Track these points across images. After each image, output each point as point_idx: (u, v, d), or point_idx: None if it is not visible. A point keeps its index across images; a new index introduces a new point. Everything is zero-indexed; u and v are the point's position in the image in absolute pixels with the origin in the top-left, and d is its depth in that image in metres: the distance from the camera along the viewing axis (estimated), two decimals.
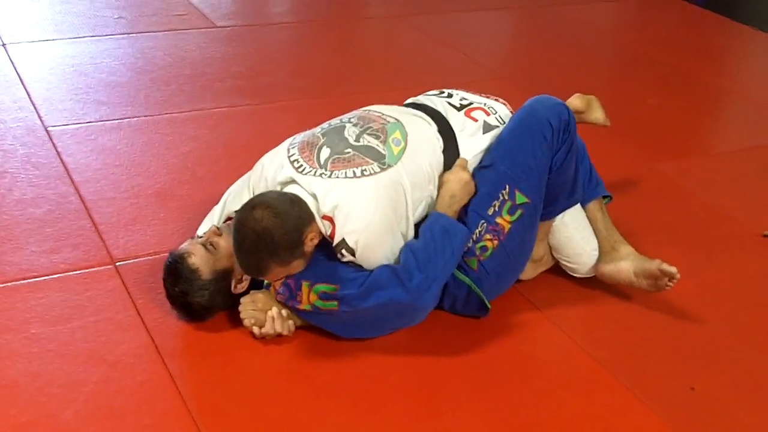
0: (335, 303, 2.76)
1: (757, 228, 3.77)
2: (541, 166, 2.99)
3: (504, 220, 2.96)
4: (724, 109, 5.33)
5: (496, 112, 3.14)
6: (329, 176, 2.77)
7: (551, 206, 3.09)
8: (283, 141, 3.02)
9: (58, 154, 3.81)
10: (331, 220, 2.73)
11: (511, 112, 3.17)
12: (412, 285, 2.72)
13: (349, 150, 2.84)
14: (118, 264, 3.17)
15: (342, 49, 5.48)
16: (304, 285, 2.78)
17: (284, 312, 2.84)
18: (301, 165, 2.83)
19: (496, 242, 2.97)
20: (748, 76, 5.81)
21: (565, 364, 2.95)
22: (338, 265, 2.80)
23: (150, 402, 2.61)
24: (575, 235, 3.21)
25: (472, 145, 3.05)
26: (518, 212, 2.97)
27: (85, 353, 2.75)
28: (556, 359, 2.97)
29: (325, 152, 2.85)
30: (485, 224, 2.96)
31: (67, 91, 4.40)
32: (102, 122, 4.12)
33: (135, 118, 4.20)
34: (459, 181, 2.93)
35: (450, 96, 3.19)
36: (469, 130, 3.06)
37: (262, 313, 2.83)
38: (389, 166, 2.82)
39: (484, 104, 3.16)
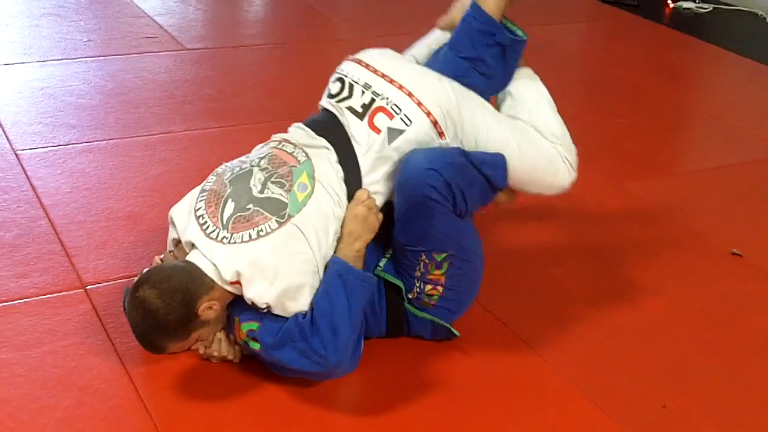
0: (259, 345, 2.70)
1: (726, 246, 3.80)
2: (447, 226, 2.87)
3: (435, 275, 2.92)
4: (693, 128, 5.36)
5: (401, 110, 2.93)
6: (229, 240, 2.69)
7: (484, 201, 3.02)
8: None
9: (28, 177, 3.79)
10: (239, 283, 2.67)
11: (417, 104, 2.93)
12: (317, 347, 2.62)
13: (250, 206, 2.75)
14: (88, 288, 3.15)
15: (313, 71, 5.48)
16: (236, 320, 2.76)
17: (232, 337, 2.83)
18: (206, 222, 2.75)
19: (440, 288, 2.93)
20: (716, 96, 5.86)
21: (536, 383, 2.95)
22: None
23: (121, 427, 2.59)
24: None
25: (377, 168, 2.92)
26: (444, 265, 2.90)
27: (55, 378, 2.74)
28: (527, 379, 2.97)
29: (229, 208, 2.76)
30: (420, 282, 2.93)
31: (37, 114, 4.38)
32: (71, 145, 4.11)
33: (105, 141, 4.19)
34: (355, 217, 2.81)
35: (351, 91, 3.01)
36: (374, 149, 2.91)
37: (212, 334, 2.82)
38: (289, 217, 2.73)
39: (387, 100, 2.95)
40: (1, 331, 2.91)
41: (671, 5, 7.35)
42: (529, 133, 3.12)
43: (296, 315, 2.68)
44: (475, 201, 2.91)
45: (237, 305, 2.77)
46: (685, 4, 7.35)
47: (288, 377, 2.78)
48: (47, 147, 4.07)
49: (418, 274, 2.91)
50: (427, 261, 2.88)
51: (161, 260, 2.89)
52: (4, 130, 4.17)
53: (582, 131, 3.70)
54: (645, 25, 6.95)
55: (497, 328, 3.17)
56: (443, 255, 2.88)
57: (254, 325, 2.70)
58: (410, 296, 2.95)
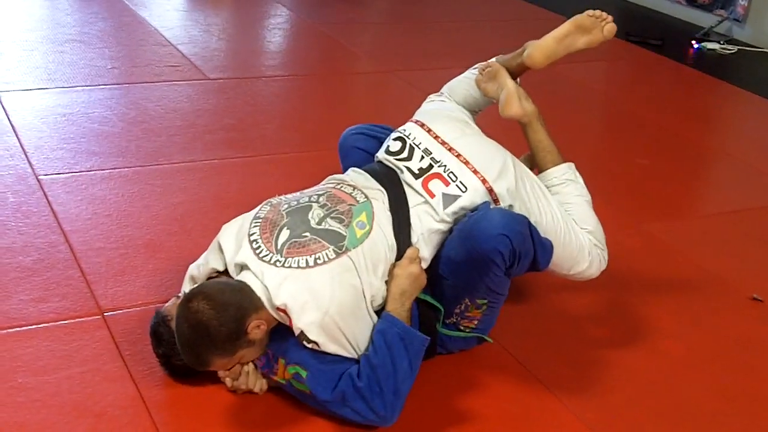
0: (308, 389, 2.69)
1: (746, 291, 3.78)
2: (495, 284, 2.93)
3: (473, 314, 3.01)
4: (715, 170, 5.35)
5: (456, 178, 3.01)
6: (283, 264, 2.71)
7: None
8: (271, 194, 3.03)
9: (49, 203, 3.80)
10: (285, 312, 2.65)
11: (473, 171, 3.02)
12: (378, 408, 2.64)
13: (307, 234, 2.79)
14: (106, 314, 3.16)
15: (332, 102, 5.51)
16: (281, 361, 2.74)
17: (260, 371, 2.82)
18: (259, 247, 2.77)
19: (475, 322, 3.03)
20: (739, 138, 5.85)
21: (552, 425, 2.93)
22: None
23: None
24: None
25: (426, 226, 2.97)
26: (484, 307, 2.99)
27: (71, 404, 2.73)
28: (543, 420, 2.95)
29: (284, 235, 2.79)
30: (458, 317, 3.01)
31: (59, 140, 4.40)
32: (93, 172, 4.12)
33: (126, 169, 4.20)
34: (408, 276, 2.83)
35: (411, 154, 3.09)
36: (426, 207, 2.98)
37: (238, 366, 2.80)
38: (347, 250, 2.76)
39: (445, 168, 3.03)
40: (19, 355, 2.91)
41: (696, 46, 7.35)
42: (571, 223, 3.17)
43: (350, 375, 2.67)
44: (523, 271, 2.97)
45: (274, 342, 2.76)
46: (710, 45, 7.36)
47: (309, 412, 2.78)
48: (69, 173, 4.08)
49: (457, 310, 2.99)
50: (468, 303, 2.97)
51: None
52: (26, 155, 4.19)
53: (603, 171, 3.71)
54: (669, 65, 6.96)
55: (515, 368, 3.15)
56: (484, 301, 2.97)
57: (303, 372, 2.69)
58: (447, 321, 3.02)
